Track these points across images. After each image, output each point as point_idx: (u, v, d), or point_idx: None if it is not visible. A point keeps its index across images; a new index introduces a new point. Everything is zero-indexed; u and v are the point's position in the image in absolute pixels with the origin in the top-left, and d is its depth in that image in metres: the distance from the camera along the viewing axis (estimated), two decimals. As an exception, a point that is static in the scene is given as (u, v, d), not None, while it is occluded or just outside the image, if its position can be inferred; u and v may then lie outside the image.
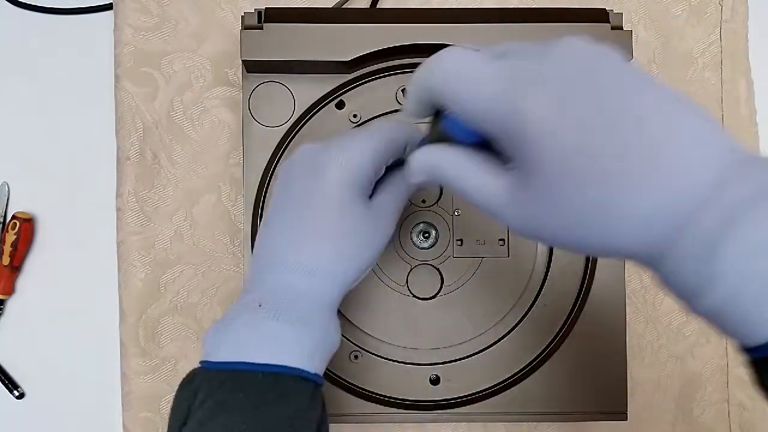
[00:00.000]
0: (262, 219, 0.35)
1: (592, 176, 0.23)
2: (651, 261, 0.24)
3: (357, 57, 0.42)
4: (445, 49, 0.26)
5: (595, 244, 0.24)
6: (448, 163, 0.28)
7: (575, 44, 0.25)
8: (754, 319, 0.21)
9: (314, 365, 0.32)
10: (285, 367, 0.30)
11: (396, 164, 0.36)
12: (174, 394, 0.31)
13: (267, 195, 0.45)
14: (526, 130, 0.24)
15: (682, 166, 0.22)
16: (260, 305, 0.31)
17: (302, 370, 0.31)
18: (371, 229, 0.34)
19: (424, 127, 0.33)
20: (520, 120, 0.24)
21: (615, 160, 0.22)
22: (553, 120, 0.23)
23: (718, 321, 0.22)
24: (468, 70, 0.25)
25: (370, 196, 0.35)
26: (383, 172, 0.35)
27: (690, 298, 0.23)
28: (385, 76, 0.45)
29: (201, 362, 0.32)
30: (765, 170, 0.22)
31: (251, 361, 0.30)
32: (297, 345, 0.31)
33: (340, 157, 0.33)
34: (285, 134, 0.45)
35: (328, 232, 0.33)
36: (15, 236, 0.50)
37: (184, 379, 0.32)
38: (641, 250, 0.23)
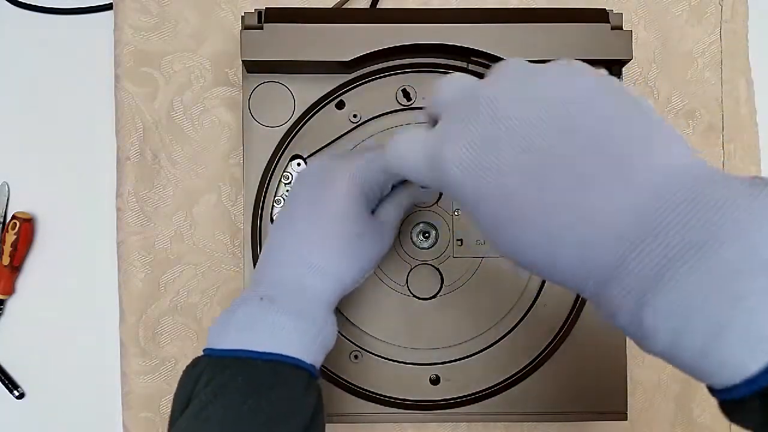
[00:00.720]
0: (274, 222, 0.38)
1: (512, 229, 0.24)
2: (594, 304, 0.24)
3: (357, 57, 0.42)
4: (396, 133, 0.30)
5: (552, 274, 0.24)
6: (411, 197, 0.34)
7: (490, 98, 0.24)
8: (699, 373, 0.21)
9: (311, 357, 0.34)
10: (283, 355, 0.32)
11: (400, 182, 0.39)
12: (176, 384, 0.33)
13: (267, 195, 0.45)
14: (454, 195, 0.26)
15: (602, 220, 0.21)
16: (262, 298, 0.34)
17: (299, 360, 0.33)
18: (374, 238, 0.37)
19: None
20: (446, 189, 0.26)
21: (530, 216, 0.23)
22: (467, 184, 0.24)
23: (672, 364, 0.22)
24: (407, 157, 0.28)
25: (376, 209, 0.38)
26: (390, 189, 0.38)
27: (636, 343, 0.22)
28: (385, 76, 0.45)
29: (204, 350, 0.34)
30: (697, 214, 0.20)
31: (252, 349, 0.32)
32: (296, 336, 0.33)
33: (353, 172, 0.36)
34: (285, 134, 0.45)
35: (335, 236, 0.35)
36: (15, 236, 0.50)
37: (188, 365, 0.34)
38: (584, 288, 0.23)
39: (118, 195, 0.50)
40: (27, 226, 0.51)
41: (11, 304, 0.52)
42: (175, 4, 0.50)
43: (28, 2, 0.53)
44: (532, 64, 0.26)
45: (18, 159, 0.52)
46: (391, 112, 0.45)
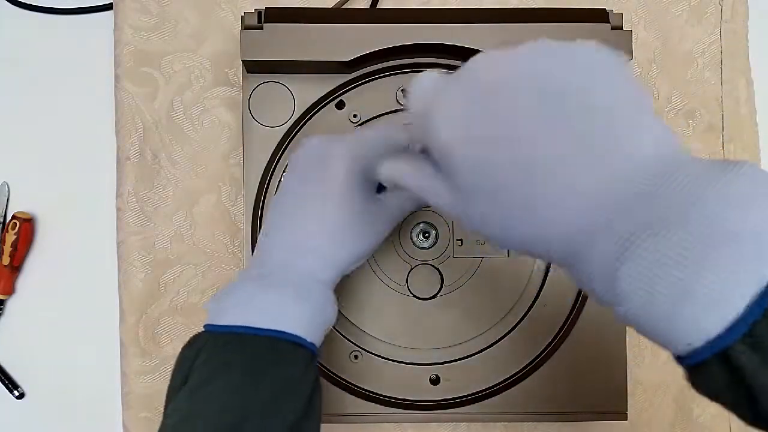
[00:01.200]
0: (271, 203, 0.38)
1: (498, 189, 0.24)
2: (568, 268, 0.25)
3: (357, 57, 0.42)
4: (422, 75, 0.29)
5: (519, 245, 0.26)
6: (406, 172, 0.31)
7: (483, 58, 0.26)
8: (664, 338, 0.22)
9: (311, 335, 0.33)
10: (284, 332, 0.32)
11: None
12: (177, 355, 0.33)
13: (267, 195, 0.45)
14: (434, 146, 0.26)
15: (582, 192, 0.23)
16: (261, 276, 0.34)
17: (300, 337, 0.33)
18: (372, 220, 0.36)
19: None
20: (430, 137, 0.26)
21: (517, 176, 0.24)
22: (455, 137, 0.25)
23: (639, 332, 0.23)
24: (417, 98, 0.28)
25: (382, 193, 0.37)
26: None
27: (606, 305, 0.23)
28: (385, 76, 0.45)
29: (205, 326, 0.33)
30: (667, 190, 0.22)
31: (252, 325, 0.32)
32: (296, 314, 0.33)
33: (351, 148, 0.35)
34: (285, 134, 0.45)
35: (331, 217, 0.35)
36: (15, 236, 0.50)
37: (187, 341, 0.33)
38: (559, 258, 0.25)
39: (118, 195, 0.50)
40: (27, 226, 0.51)
41: (11, 304, 0.52)
42: (175, 4, 0.50)
43: (28, 2, 0.53)
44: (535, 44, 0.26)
45: (18, 159, 0.52)
46: (391, 112, 0.45)
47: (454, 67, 0.45)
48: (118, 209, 0.50)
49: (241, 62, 0.43)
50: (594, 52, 0.25)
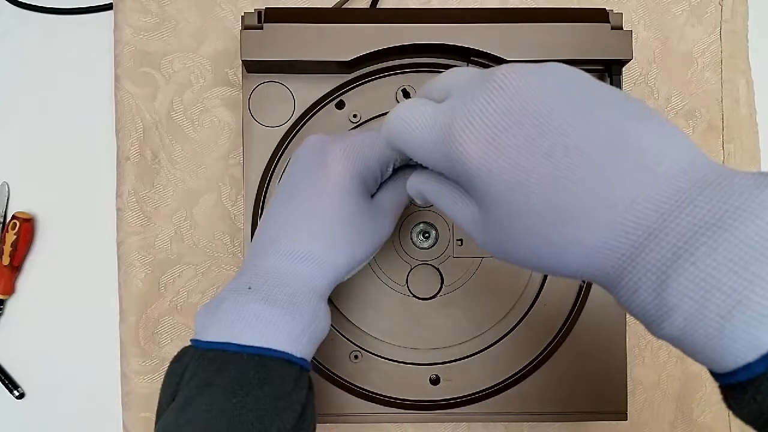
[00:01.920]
0: (268, 203, 0.36)
1: (529, 212, 0.23)
2: (607, 286, 0.24)
3: (357, 57, 0.42)
4: (397, 106, 0.28)
5: (551, 269, 0.25)
6: (431, 190, 0.30)
7: (507, 77, 0.25)
8: (711, 352, 0.21)
9: (300, 349, 0.32)
10: (270, 349, 0.31)
11: (403, 166, 0.36)
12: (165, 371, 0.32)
13: (267, 195, 0.45)
14: (463, 172, 0.25)
15: (622, 202, 0.22)
16: (250, 288, 0.32)
17: (288, 354, 0.31)
18: (370, 224, 0.35)
19: None
20: (456, 165, 0.25)
21: (551, 197, 0.23)
22: (483, 161, 0.24)
23: (681, 348, 0.22)
24: (412, 128, 0.27)
25: (375, 194, 0.36)
26: (390, 173, 0.36)
27: (648, 325, 0.23)
28: (385, 76, 0.45)
29: (191, 341, 0.32)
30: (715, 197, 0.21)
31: (238, 342, 0.31)
32: (283, 328, 0.31)
33: (348, 149, 0.34)
34: (285, 134, 0.45)
35: (324, 220, 0.33)
36: (15, 236, 0.50)
37: (174, 357, 0.32)
38: (596, 276, 0.24)
39: (118, 195, 0.50)
40: (27, 226, 0.51)
41: (11, 304, 0.52)
42: (175, 4, 0.50)
43: (28, 2, 0.53)
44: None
45: (18, 159, 0.52)
46: (391, 112, 0.45)
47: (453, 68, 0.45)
48: (118, 209, 0.50)
49: (241, 62, 0.43)
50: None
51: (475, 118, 0.24)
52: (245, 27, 0.42)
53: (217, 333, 0.31)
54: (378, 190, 0.36)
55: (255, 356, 0.31)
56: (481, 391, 0.45)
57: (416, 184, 0.31)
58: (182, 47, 0.50)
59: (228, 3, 0.50)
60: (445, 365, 0.45)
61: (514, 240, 0.25)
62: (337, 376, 0.45)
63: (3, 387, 0.51)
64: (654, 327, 0.22)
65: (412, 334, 0.45)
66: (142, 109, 0.50)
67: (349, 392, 0.45)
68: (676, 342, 0.22)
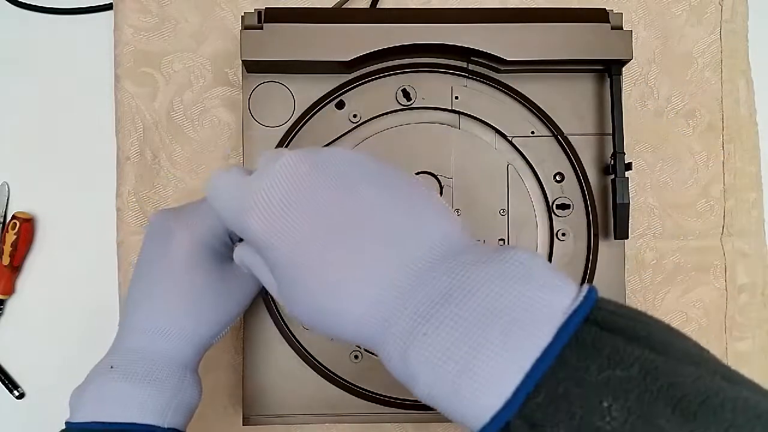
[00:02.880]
0: (129, 284, 0.38)
1: (303, 284, 0.26)
2: (377, 354, 0.26)
3: (357, 57, 0.42)
4: (214, 172, 0.30)
5: (333, 333, 0.27)
6: (250, 260, 0.32)
7: (287, 163, 0.27)
8: (457, 415, 0.23)
9: (168, 420, 0.34)
10: (135, 424, 0.33)
11: None
12: None
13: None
14: (255, 245, 0.27)
15: (372, 280, 0.24)
16: (112, 367, 0.34)
17: (153, 426, 0.33)
18: (227, 289, 0.36)
19: None
20: (248, 238, 0.28)
21: (317, 272, 0.25)
22: (266, 237, 0.26)
23: (440, 411, 0.24)
24: (220, 197, 0.29)
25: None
26: None
27: (409, 390, 0.24)
28: (385, 76, 0.45)
29: (66, 423, 0.34)
30: (448, 272, 0.24)
31: (104, 420, 0.32)
32: (146, 402, 0.33)
33: (190, 220, 0.36)
34: (285, 134, 0.45)
35: (178, 295, 0.35)
36: (15, 236, 0.50)
37: None
38: (367, 343, 0.26)
39: (118, 195, 0.50)
40: (27, 226, 0.51)
41: (11, 304, 0.52)
42: (175, 4, 0.50)
43: (28, 2, 0.53)
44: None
45: (18, 159, 0.52)
46: (391, 112, 0.45)
47: (454, 67, 0.45)
48: (118, 209, 0.50)
49: (241, 62, 0.43)
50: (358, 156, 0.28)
51: (259, 199, 0.26)
52: (245, 27, 0.42)
53: (86, 413, 0.33)
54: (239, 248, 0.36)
55: None
56: (481, 391, 0.45)
57: (239, 253, 0.33)
58: (182, 47, 0.50)
59: (228, 3, 0.50)
60: (445, 365, 0.45)
61: (299, 307, 0.27)
62: (337, 376, 0.45)
63: (3, 387, 0.51)
64: (413, 392, 0.24)
65: (412, 334, 0.45)
66: (142, 109, 0.50)
67: (349, 392, 0.45)
68: (432, 405, 0.24)
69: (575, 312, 0.22)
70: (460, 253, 0.25)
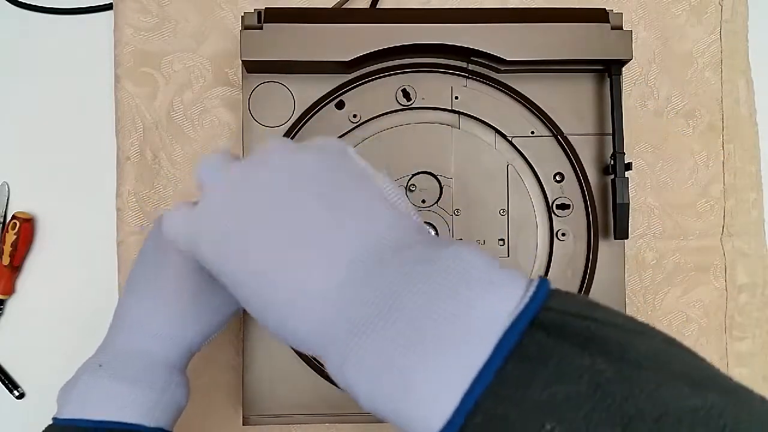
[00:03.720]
0: (125, 282, 0.38)
1: (251, 302, 0.26)
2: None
3: (357, 57, 0.42)
4: (166, 212, 0.30)
5: (292, 344, 0.26)
6: None
7: (216, 191, 0.27)
8: (406, 427, 0.21)
9: (155, 420, 0.34)
10: (121, 423, 0.33)
11: None
12: None
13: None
14: (209, 270, 0.27)
15: (310, 294, 0.24)
16: (101, 365, 0.34)
17: (140, 425, 0.33)
18: (218, 296, 0.36)
19: None
20: (198, 257, 0.28)
21: (261, 291, 0.25)
22: (214, 262, 0.26)
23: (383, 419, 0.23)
24: (175, 235, 0.29)
25: None
26: None
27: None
28: (385, 76, 0.45)
29: (52, 419, 0.34)
30: (380, 280, 0.22)
31: (91, 418, 0.32)
32: (133, 402, 0.33)
33: None
34: (285, 134, 0.45)
35: (170, 299, 0.35)
36: (15, 236, 0.50)
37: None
38: (313, 351, 0.25)
39: (118, 195, 0.50)
40: (27, 226, 0.51)
41: (11, 304, 0.52)
42: (175, 4, 0.50)
43: (28, 2, 0.53)
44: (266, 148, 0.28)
45: (18, 159, 0.52)
46: (391, 112, 0.45)
47: (454, 67, 0.45)
48: (118, 209, 0.50)
49: (241, 62, 0.43)
50: (323, 142, 0.27)
51: (202, 230, 0.27)
52: (245, 27, 0.42)
53: (73, 410, 0.33)
54: None
55: (107, 431, 0.32)
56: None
57: None
58: (182, 47, 0.50)
59: (228, 3, 0.50)
60: (445, 365, 0.45)
61: (258, 319, 0.26)
62: (337, 376, 0.45)
63: (3, 387, 0.51)
64: (357, 402, 0.23)
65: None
66: (142, 109, 0.50)
67: (349, 392, 0.45)
68: (378, 416, 0.23)
69: (520, 316, 0.20)
70: (397, 254, 0.23)
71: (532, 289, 0.21)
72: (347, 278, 0.23)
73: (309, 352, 0.26)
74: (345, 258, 0.24)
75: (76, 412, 0.33)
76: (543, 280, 0.22)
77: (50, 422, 0.34)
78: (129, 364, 0.34)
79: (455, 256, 0.22)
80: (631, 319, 0.22)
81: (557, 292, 0.22)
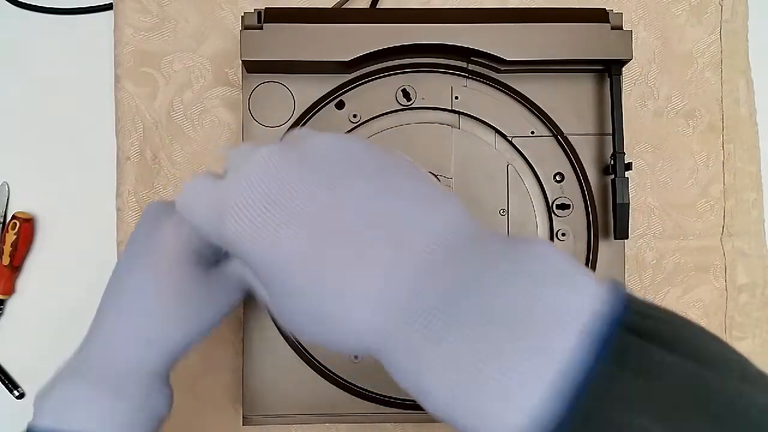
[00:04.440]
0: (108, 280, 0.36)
1: (293, 292, 0.23)
2: (384, 365, 0.24)
3: (357, 57, 0.42)
4: (185, 182, 0.27)
5: (330, 345, 0.24)
6: (240, 272, 0.30)
7: (263, 158, 0.24)
8: (474, 430, 0.20)
9: (132, 430, 0.32)
10: None
11: None
12: None
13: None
14: (237, 253, 0.25)
15: (376, 280, 0.22)
16: (78, 372, 0.32)
17: None
18: (207, 297, 0.33)
19: None
20: (230, 247, 0.25)
21: (308, 276, 0.23)
22: (248, 244, 0.23)
23: (456, 427, 0.22)
24: (193, 208, 0.26)
25: (223, 263, 0.34)
26: None
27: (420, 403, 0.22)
28: (385, 76, 0.45)
29: (27, 425, 0.32)
30: (459, 269, 0.21)
31: (66, 428, 0.31)
32: (109, 414, 0.31)
33: (179, 217, 0.32)
34: (285, 134, 0.45)
35: (156, 299, 0.32)
36: (15, 236, 0.50)
37: None
38: (370, 353, 0.24)
39: (118, 195, 0.50)
40: (27, 226, 0.51)
41: (11, 304, 0.52)
42: (175, 4, 0.50)
43: (28, 2, 0.53)
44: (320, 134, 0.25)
45: (18, 159, 0.52)
46: (391, 112, 0.45)
47: (454, 67, 0.45)
48: (118, 209, 0.50)
49: (241, 62, 0.43)
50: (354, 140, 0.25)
51: (235, 201, 0.24)
52: (245, 27, 0.42)
53: (48, 419, 0.31)
54: (228, 258, 0.34)
55: None
56: (481, 391, 0.45)
57: (231, 269, 0.32)
58: (182, 47, 0.50)
59: (228, 3, 0.50)
60: (445, 365, 0.45)
61: (292, 317, 0.24)
62: (337, 376, 0.45)
63: (3, 387, 0.51)
64: (426, 407, 0.22)
65: (412, 334, 0.45)
66: (142, 109, 0.50)
67: (349, 392, 0.45)
68: (446, 422, 0.21)
69: (606, 317, 0.19)
70: (471, 245, 0.22)
71: (611, 289, 0.20)
72: (419, 260, 0.21)
73: (353, 350, 0.24)
74: (415, 239, 0.22)
75: (52, 420, 0.31)
76: (616, 281, 0.21)
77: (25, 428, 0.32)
78: (105, 372, 0.32)
79: (538, 251, 0.21)
80: (692, 323, 0.22)
81: (629, 294, 0.21)
